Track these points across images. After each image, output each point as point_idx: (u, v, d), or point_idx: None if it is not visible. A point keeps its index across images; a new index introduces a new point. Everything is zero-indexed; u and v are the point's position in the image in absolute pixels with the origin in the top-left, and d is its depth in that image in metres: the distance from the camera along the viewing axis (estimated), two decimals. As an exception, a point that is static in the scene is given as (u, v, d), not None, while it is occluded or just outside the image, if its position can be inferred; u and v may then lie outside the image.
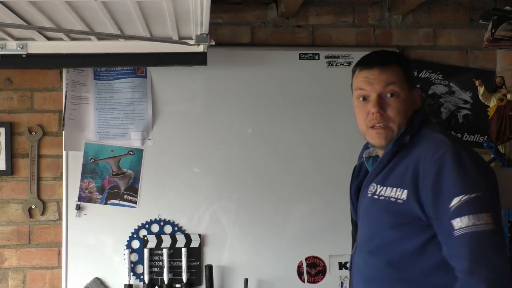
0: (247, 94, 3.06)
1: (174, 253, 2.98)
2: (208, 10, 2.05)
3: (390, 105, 1.88)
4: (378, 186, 1.90)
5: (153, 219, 2.99)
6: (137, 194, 2.99)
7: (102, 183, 2.98)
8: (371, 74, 1.91)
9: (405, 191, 1.79)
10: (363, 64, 1.95)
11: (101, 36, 2.50)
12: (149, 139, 3.00)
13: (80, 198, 2.96)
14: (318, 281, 3.06)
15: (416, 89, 1.96)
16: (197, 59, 2.70)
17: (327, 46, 3.14)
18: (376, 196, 1.90)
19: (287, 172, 3.06)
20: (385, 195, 1.86)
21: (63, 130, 2.96)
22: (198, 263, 2.99)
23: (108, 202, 2.98)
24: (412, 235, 1.79)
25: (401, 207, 1.80)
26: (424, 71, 3.15)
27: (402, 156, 1.87)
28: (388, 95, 1.88)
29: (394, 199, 1.82)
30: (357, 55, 3.10)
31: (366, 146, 2.10)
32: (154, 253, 2.98)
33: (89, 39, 2.59)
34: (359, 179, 2.10)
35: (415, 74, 3.14)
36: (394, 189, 1.83)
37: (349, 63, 3.10)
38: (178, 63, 2.77)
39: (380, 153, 1.98)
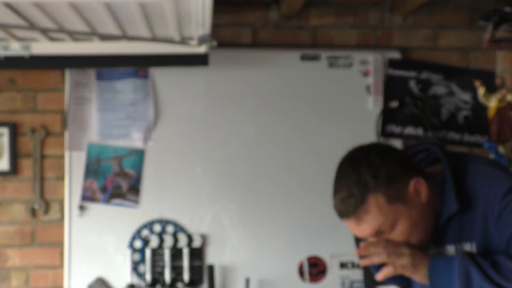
0: (249, 95, 3.07)
1: (176, 253, 2.99)
2: (210, 11, 2.07)
3: (393, 237, 1.62)
4: (439, 247, 1.69)
5: (155, 219, 3.01)
6: (139, 194, 3.00)
7: (105, 183, 2.99)
8: (351, 226, 1.64)
9: (473, 244, 1.62)
10: (338, 214, 1.65)
11: (104, 37, 2.52)
12: (151, 140, 3.02)
13: (83, 198, 2.97)
14: (319, 281, 3.07)
15: (412, 185, 1.62)
16: (199, 60, 2.71)
17: (328, 47, 3.15)
18: None
19: (289, 172, 3.07)
20: (451, 254, 1.66)
21: (66, 130, 2.97)
22: (200, 263, 3.00)
23: (111, 202, 2.99)
24: None
25: None
26: (425, 72, 3.16)
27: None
28: (385, 233, 1.63)
29: None
30: (358, 56, 3.12)
31: None
32: (156, 252, 2.99)
33: (92, 40, 2.61)
34: None
35: (417, 75, 3.15)
36: (458, 245, 1.65)
37: (350, 64, 3.11)
38: (180, 64, 2.78)
39: None
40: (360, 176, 1.61)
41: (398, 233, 1.62)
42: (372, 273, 1.81)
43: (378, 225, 1.60)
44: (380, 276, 1.63)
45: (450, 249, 1.66)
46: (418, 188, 1.63)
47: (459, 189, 1.63)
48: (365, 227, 1.61)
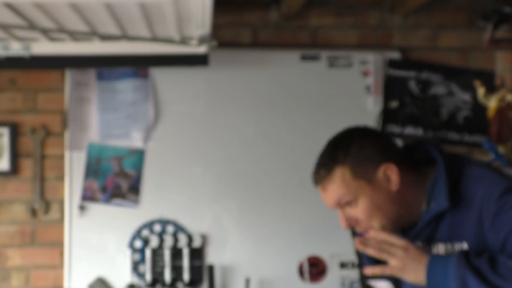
0: (249, 95, 3.08)
1: (176, 253, 3.00)
2: (210, 11, 2.07)
3: (356, 214, 1.69)
4: (427, 244, 1.70)
5: (155, 219, 3.01)
6: (139, 194, 3.01)
7: (105, 183, 2.99)
8: (320, 192, 1.76)
9: (464, 244, 1.63)
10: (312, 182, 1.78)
11: (104, 37, 2.52)
12: (151, 140, 3.02)
13: (83, 198, 2.98)
14: (319, 281, 3.07)
15: (381, 169, 1.68)
16: (199, 60, 2.71)
17: (328, 47, 3.16)
18: None
19: (289, 172, 3.07)
20: (440, 253, 1.68)
21: (66, 130, 2.98)
22: (200, 263, 3.01)
23: (111, 202, 3.00)
24: None
25: None
26: (425, 72, 3.16)
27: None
28: (347, 206, 1.70)
29: None
30: (358, 56, 3.12)
31: None
32: (156, 252, 2.99)
33: (92, 40, 2.61)
34: None
35: (417, 75, 3.16)
36: (449, 244, 1.66)
37: (350, 64, 3.12)
38: (180, 64, 2.78)
39: None
40: (334, 150, 1.75)
41: (360, 210, 1.69)
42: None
43: (340, 196, 1.69)
44: (368, 270, 1.67)
45: (441, 248, 1.68)
46: (388, 173, 1.68)
47: (453, 189, 1.65)
48: (329, 196, 1.72)
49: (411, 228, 1.74)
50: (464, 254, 1.56)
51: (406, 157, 1.76)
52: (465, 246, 1.63)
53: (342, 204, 1.71)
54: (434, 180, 1.70)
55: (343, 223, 1.72)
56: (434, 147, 1.75)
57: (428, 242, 1.69)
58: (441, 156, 1.71)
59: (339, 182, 1.70)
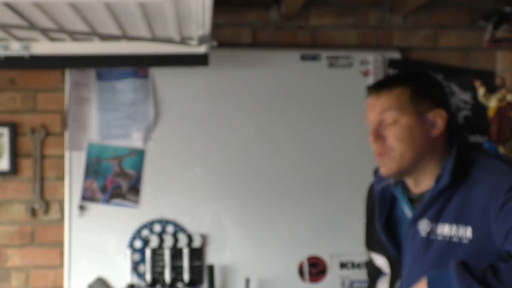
0: (249, 95, 3.08)
1: (176, 252, 2.99)
2: (210, 11, 2.07)
3: (389, 132, 1.77)
4: (433, 223, 1.73)
5: (155, 219, 3.01)
6: (139, 194, 3.01)
7: (105, 183, 2.99)
8: (370, 101, 1.83)
9: (469, 228, 1.66)
10: (367, 90, 1.87)
11: (104, 37, 2.52)
12: (151, 140, 3.02)
13: (83, 198, 2.98)
14: (319, 281, 3.07)
15: (435, 111, 1.77)
16: (199, 60, 2.72)
17: (328, 47, 3.15)
18: (432, 236, 1.73)
19: (289, 173, 3.07)
20: (444, 234, 1.70)
21: (66, 130, 2.98)
22: (200, 263, 3.01)
23: (111, 202, 2.99)
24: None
25: (467, 249, 1.66)
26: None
27: (456, 187, 1.72)
28: (386, 122, 1.77)
29: (457, 239, 1.68)
30: (358, 56, 3.12)
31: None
32: (156, 252, 2.99)
33: (92, 40, 2.61)
34: (386, 209, 1.90)
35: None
36: (454, 226, 1.69)
37: (350, 64, 3.12)
38: (180, 64, 2.79)
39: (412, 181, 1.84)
40: (406, 74, 1.90)
41: (394, 131, 1.76)
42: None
43: (387, 107, 1.77)
44: None
45: (446, 228, 1.70)
46: (438, 119, 1.77)
47: (460, 172, 1.71)
48: (379, 104, 1.79)
49: (419, 202, 1.80)
50: (462, 265, 1.55)
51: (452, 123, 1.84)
52: (469, 230, 1.66)
53: (381, 119, 1.78)
54: (446, 162, 1.76)
55: (372, 136, 1.79)
56: (458, 134, 1.82)
57: (435, 220, 1.73)
58: (459, 143, 1.78)
59: (394, 97, 1.77)
